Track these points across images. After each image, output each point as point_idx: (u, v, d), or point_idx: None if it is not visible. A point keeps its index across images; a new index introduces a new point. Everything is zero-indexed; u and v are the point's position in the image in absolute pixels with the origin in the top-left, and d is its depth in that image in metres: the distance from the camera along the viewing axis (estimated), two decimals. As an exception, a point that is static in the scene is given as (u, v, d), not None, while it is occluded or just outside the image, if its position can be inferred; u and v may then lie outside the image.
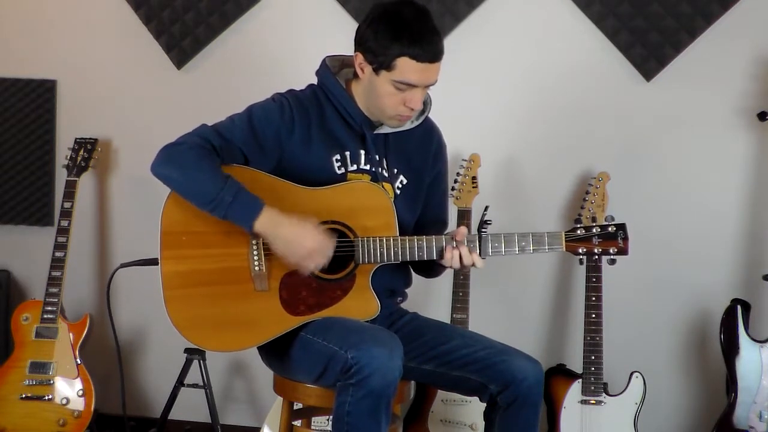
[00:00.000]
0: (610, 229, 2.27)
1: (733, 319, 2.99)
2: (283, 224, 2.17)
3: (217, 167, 2.19)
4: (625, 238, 2.27)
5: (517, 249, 2.26)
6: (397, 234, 2.27)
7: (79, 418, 3.25)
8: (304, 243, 2.16)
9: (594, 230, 2.27)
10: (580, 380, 3.07)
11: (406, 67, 2.19)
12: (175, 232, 2.23)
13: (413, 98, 2.24)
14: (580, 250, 2.27)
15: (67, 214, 3.39)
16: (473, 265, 2.26)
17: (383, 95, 2.24)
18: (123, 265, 2.55)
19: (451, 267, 2.29)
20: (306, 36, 3.44)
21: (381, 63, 2.21)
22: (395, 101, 2.24)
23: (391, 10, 2.21)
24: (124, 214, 3.62)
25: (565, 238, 2.26)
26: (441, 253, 2.26)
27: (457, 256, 2.24)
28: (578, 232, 2.27)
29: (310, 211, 2.25)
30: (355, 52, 2.27)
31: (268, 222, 2.17)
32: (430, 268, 2.43)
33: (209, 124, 2.29)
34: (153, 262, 2.26)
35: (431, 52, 2.20)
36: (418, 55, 2.18)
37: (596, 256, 2.30)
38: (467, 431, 3.11)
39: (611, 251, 2.27)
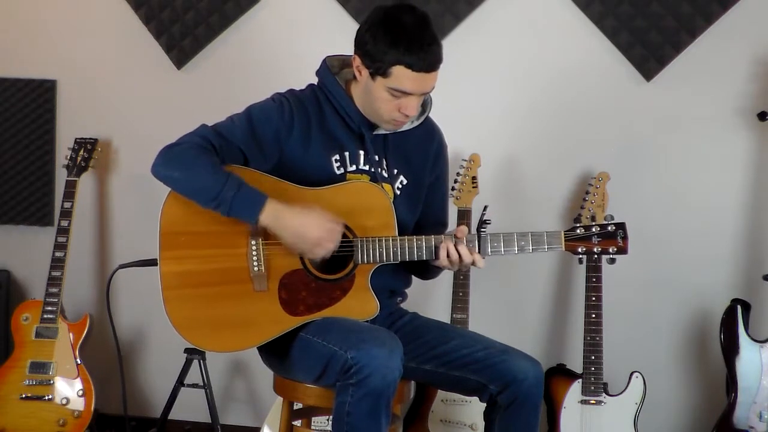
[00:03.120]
0: (609, 228, 2.26)
1: (733, 319, 2.99)
2: (287, 215, 2.17)
3: (217, 165, 2.19)
4: (625, 237, 2.26)
5: (516, 248, 2.25)
6: (397, 234, 2.27)
7: (79, 418, 3.25)
8: (312, 232, 2.16)
9: (593, 229, 2.26)
10: (580, 380, 3.07)
11: (401, 75, 2.17)
12: (174, 233, 2.23)
13: (408, 105, 2.23)
14: (580, 250, 2.26)
15: (67, 214, 3.39)
16: (473, 263, 2.25)
17: (378, 100, 2.23)
18: (122, 266, 2.55)
19: (450, 268, 2.28)
20: (306, 36, 3.44)
21: (377, 69, 2.20)
22: (390, 107, 2.24)
23: (391, 16, 2.20)
24: (124, 214, 3.62)
25: (565, 237, 2.25)
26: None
27: (456, 256, 2.24)
28: (577, 231, 2.26)
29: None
30: (353, 53, 2.27)
31: (272, 214, 2.17)
32: (427, 270, 2.42)
33: (209, 124, 2.29)
34: (152, 262, 2.26)
35: (428, 62, 2.18)
36: (414, 64, 2.16)
37: (596, 256, 2.29)
38: (467, 431, 3.11)
39: (611, 250, 2.26)
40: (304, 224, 2.16)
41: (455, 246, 2.24)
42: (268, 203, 2.17)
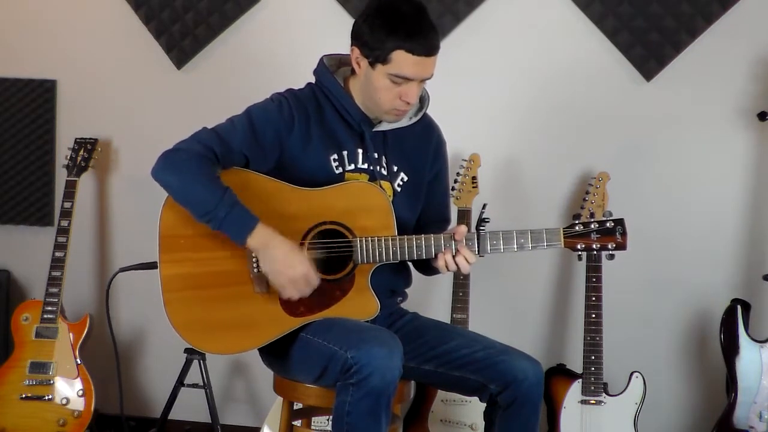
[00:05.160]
0: (608, 224, 2.26)
1: (733, 319, 2.99)
2: (274, 245, 2.17)
3: (215, 179, 2.18)
4: (624, 233, 2.25)
5: (515, 246, 2.25)
6: (396, 234, 2.27)
7: (79, 418, 3.25)
8: (292, 269, 2.16)
9: (592, 226, 2.25)
10: (580, 380, 3.07)
11: (401, 60, 2.19)
12: (174, 235, 2.23)
13: (409, 92, 2.23)
14: (579, 246, 2.26)
15: (67, 214, 3.39)
16: (467, 261, 2.25)
17: (379, 89, 2.24)
18: (122, 270, 2.56)
19: (448, 270, 2.28)
20: (306, 36, 3.44)
21: (377, 56, 2.21)
22: (391, 95, 2.24)
23: (388, 5, 2.22)
24: (124, 214, 3.62)
25: (564, 234, 2.25)
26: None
27: (452, 261, 2.24)
28: (576, 228, 2.25)
29: (308, 211, 2.25)
30: (351, 46, 2.28)
31: (260, 240, 2.17)
32: (429, 267, 2.42)
33: (209, 125, 2.28)
34: (152, 265, 2.26)
35: (427, 46, 2.20)
36: (414, 49, 2.18)
37: (595, 252, 2.29)
38: (467, 431, 3.11)
39: (610, 246, 2.26)
40: (288, 259, 2.16)
41: (453, 258, 2.24)
42: (258, 228, 2.16)
